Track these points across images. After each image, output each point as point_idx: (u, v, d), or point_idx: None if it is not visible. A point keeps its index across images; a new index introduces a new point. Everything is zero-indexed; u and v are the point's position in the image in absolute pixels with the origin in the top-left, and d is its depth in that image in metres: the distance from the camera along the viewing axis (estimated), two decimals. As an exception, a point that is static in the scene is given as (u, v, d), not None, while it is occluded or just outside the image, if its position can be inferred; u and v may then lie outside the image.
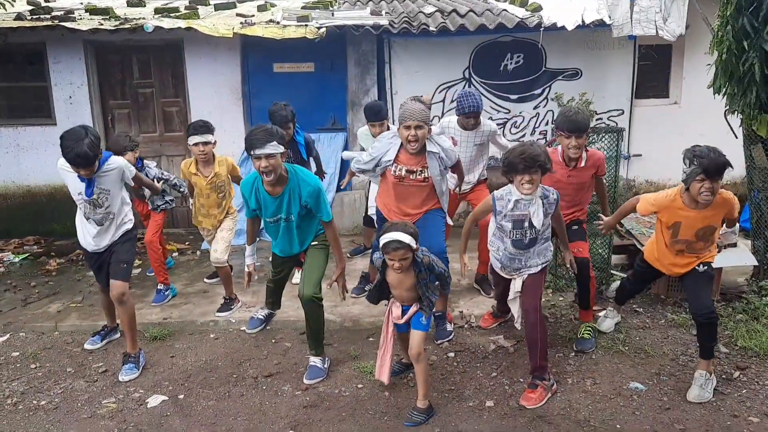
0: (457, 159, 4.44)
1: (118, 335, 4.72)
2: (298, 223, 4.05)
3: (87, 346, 4.60)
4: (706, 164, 3.42)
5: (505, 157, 3.64)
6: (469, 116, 4.93)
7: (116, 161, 4.11)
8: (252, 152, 3.72)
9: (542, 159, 3.52)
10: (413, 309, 3.66)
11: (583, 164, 4.28)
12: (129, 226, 4.30)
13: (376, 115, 5.32)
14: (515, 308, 3.95)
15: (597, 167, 4.38)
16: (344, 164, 6.76)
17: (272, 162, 3.72)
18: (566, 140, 4.18)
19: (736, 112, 5.01)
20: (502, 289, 4.21)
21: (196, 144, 4.85)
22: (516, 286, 3.89)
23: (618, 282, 5.22)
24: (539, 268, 3.83)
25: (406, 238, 3.40)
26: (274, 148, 3.70)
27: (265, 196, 3.95)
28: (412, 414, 3.61)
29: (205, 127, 4.87)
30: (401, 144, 4.23)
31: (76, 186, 4.04)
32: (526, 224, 3.68)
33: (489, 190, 5.20)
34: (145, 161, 5.47)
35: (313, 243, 4.19)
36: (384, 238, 3.45)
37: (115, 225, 4.21)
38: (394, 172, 4.26)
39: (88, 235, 4.22)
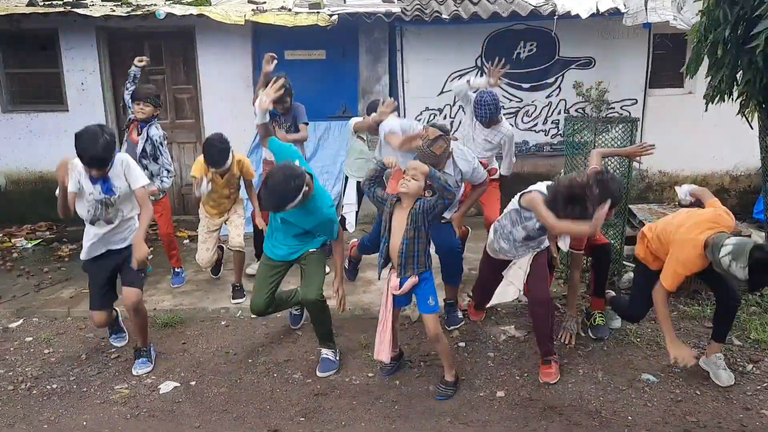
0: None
1: None
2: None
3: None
4: None
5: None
6: (488, 125, 5.09)
7: (116, 156, 3.89)
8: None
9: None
10: (412, 279, 3.58)
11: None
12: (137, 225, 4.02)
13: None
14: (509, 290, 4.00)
15: None
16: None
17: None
18: None
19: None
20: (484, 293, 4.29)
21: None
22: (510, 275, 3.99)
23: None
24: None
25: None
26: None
27: None
28: (440, 388, 3.76)
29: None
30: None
31: (87, 187, 3.80)
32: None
33: (501, 190, 5.21)
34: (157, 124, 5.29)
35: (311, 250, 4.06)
36: None
37: (126, 223, 4.01)
38: None
39: (96, 237, 3.95)
